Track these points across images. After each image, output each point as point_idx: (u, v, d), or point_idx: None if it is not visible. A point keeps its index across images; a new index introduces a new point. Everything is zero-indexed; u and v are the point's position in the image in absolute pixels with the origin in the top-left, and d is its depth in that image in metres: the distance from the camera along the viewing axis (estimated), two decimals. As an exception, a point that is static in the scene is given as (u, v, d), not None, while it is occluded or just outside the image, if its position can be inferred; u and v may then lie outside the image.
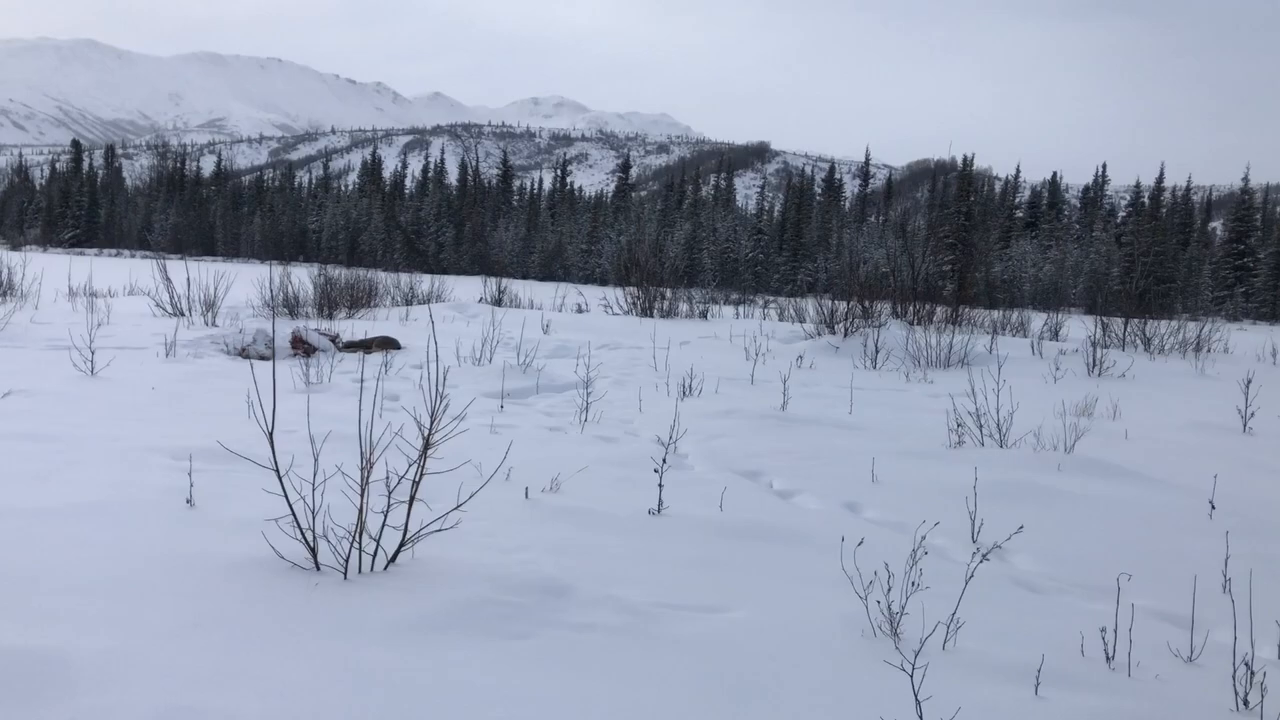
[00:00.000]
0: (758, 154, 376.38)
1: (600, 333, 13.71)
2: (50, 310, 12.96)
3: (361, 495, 3.85)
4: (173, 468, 5.50)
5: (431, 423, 4.07)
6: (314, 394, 8.54)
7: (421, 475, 4.03)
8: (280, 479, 3.90)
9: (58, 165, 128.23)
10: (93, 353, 8.49)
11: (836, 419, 8.30)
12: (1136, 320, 15.46)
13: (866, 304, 16.46)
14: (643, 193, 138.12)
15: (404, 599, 3.62)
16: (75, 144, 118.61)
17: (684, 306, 16.99)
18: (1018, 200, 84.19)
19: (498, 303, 18.13)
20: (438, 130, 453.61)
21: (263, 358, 10.66)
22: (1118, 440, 7.88)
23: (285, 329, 11.85)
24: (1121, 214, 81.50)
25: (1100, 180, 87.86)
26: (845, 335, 13.23)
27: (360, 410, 4.03)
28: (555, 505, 5.17)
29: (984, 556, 3.54)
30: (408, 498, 4.00)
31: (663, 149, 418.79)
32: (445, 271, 73.27)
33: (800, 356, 11.31)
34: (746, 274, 68.71)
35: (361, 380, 4.58)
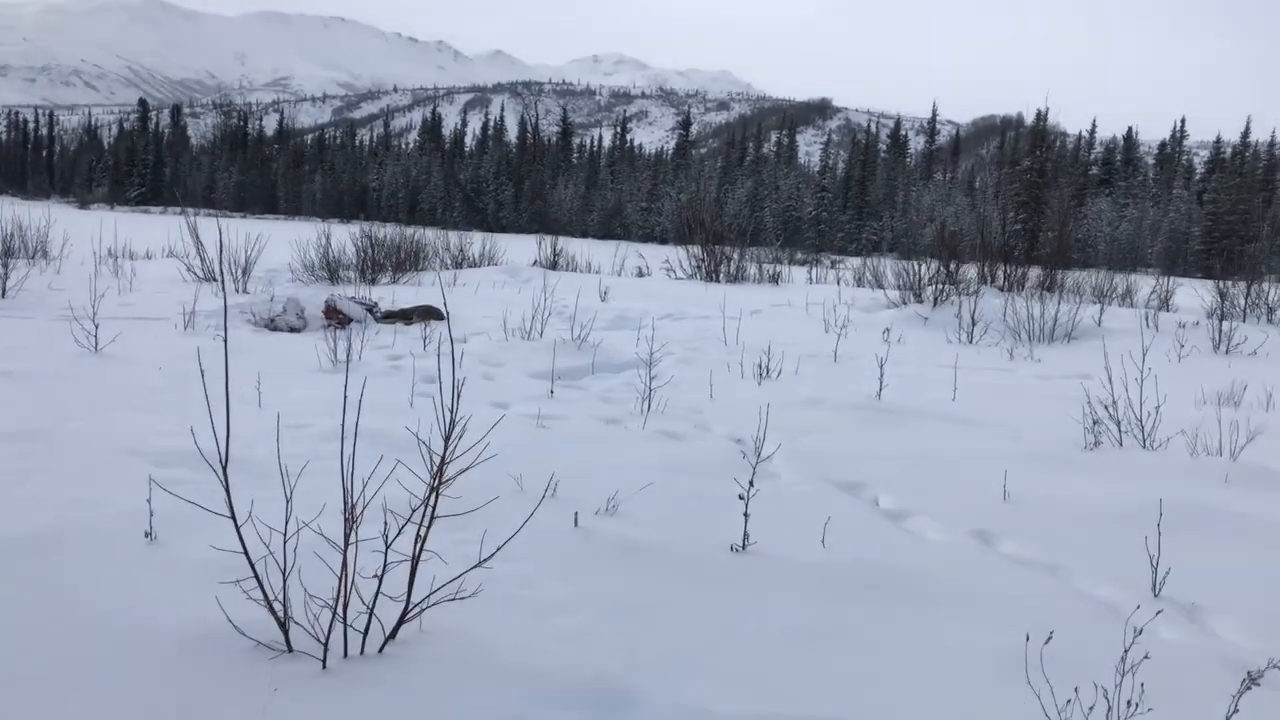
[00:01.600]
0: (819, 110, 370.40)
1: (663, 300, 12.57)
2: (73, 274, 12.13)
3: (344, 557, 2.81)
4: (149, 478, 4.54)
5: (445, 448, 3.01)
6: (341, 373, 7.57)
7: (431, 521, 2.98)
8: (238, 529, 2.88)
9: (125, 124, 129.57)
10: (96, 326, 7.57)
11: (941, 410, 7.12)
12: (1256, 285, 13.91)
13: (951, 267, 15.19)
14: (703, 150, 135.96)
15: (400, 709, 2.59)
16: (142, 103, 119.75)
17: (752, 269, 15.74)
18: (1092, 156, 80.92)
19: (553, 266, 17.00)
20: (498, 88, 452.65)
21: (293, 329, 9.73)
22: (1283, 439, 6.61)
23: (320, 296, 10.92)
24: (1200, 171, 78.01)
25: (1178, 135, 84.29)
26: (934, 304, 11.96)
27: (344, 436, 2.96)
28: (612, 536, 4.10)
29: (1253, 682, 2.36)
30: (411, 553, 2.95)
31: (723, 106, 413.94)
32: (504, 230, 72.55)
33: (888, 330, 10.11)
34: (809, 232, 66.98)
35: (345, 386, 3.54)
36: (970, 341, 10.44)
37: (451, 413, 2.94)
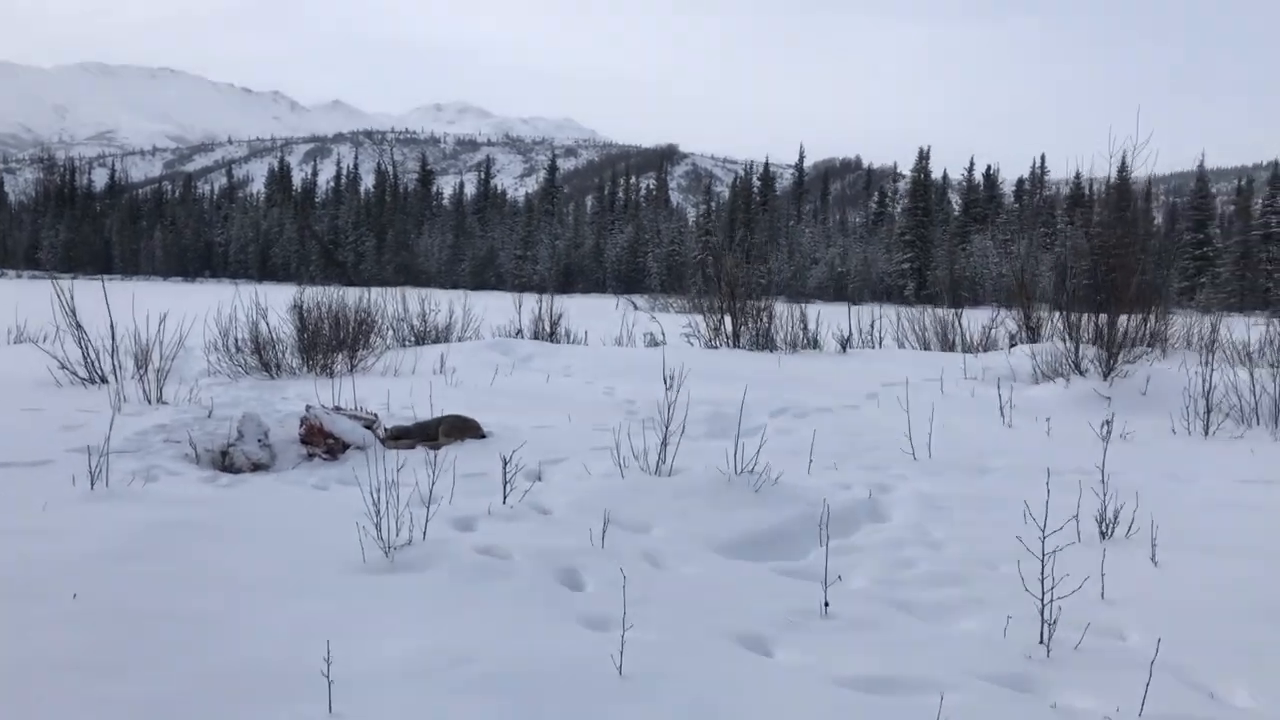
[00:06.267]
0: (667, 156, 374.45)
1: (735, 381, 9.21)
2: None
3: None
4: None
5: None
6: (406, 572, 4.20)
7: None
8: None
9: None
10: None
11: None
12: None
13: (1029, 316, 13.01)
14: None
15: None
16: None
17: (779, 337, 12.51)
18: (963, 196, 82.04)
19: (550, 336, 13.43)
20: (339, 138, 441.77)
21: (258, 466, 6.20)
22: None
23: (279, 405, 7.41)
24: (1064, 206, 79.97)
25: (1039, 171, 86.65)
26: (1106, 376, 9.18)
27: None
28: None
29: None
30: None
31: (570, 152, 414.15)
32: (367, 284, 68.07)
33: (1107, 424, 7.28)
34: (695, 277, 64.90)
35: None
36: (1206, 433, 7.64)
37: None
